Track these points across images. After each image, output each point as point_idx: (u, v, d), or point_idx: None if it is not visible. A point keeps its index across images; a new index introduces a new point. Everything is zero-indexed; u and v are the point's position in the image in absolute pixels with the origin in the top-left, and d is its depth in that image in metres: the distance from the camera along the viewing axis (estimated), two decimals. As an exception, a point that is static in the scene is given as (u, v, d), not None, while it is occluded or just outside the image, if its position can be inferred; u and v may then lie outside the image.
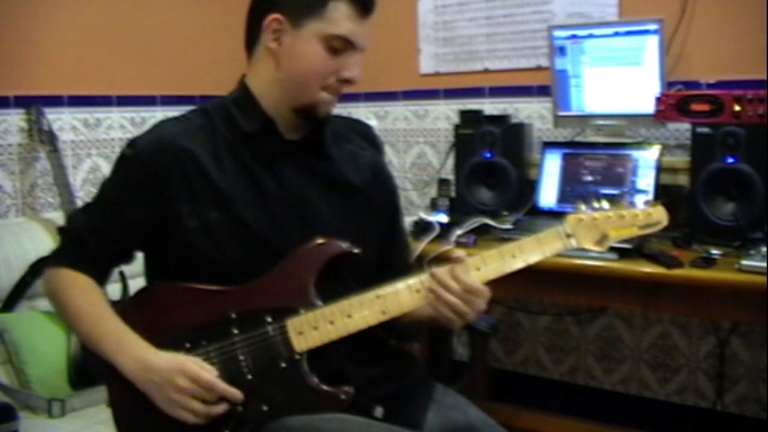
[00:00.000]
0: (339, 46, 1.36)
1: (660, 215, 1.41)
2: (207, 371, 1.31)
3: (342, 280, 1.39)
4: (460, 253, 1.36)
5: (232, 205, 1.37)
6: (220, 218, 1.36)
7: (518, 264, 1.36)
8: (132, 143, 1.42)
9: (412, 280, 1.36)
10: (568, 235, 1.38)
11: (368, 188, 1.50)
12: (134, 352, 1.33)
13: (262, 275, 1.36)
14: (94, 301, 1.41)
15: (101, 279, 1.46)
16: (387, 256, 1.52)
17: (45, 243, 2.20)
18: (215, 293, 1.37)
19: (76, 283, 1.41)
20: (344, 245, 1.38)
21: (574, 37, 2.54)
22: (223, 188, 1.37)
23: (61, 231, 1.49)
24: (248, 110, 1.42)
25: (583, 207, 1.41)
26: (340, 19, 1.34)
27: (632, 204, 1.42)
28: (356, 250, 1.38)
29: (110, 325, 1.37)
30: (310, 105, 1.39)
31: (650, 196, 2.32)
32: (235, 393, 1.31)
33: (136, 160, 1.40)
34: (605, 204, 1.41)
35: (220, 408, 1.31)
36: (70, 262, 1.43)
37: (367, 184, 1.50)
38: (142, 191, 1.38)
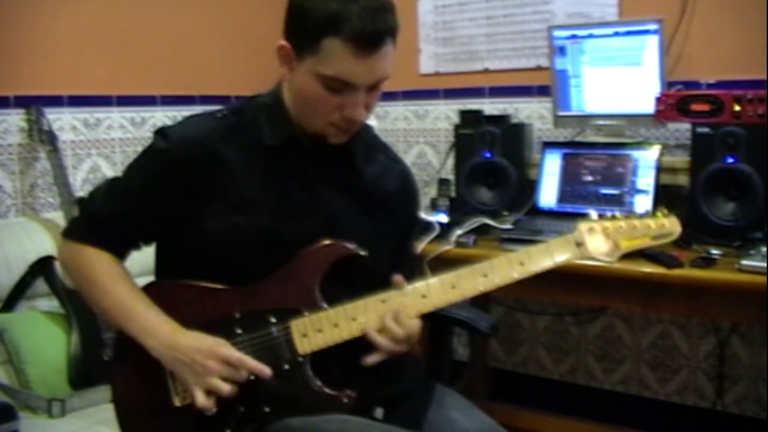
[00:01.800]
0: (336, 85, 1.28)
1: (673, 226, 1.39)
2: (236, 351, 1.32)
3: (349, 283, 1.38)
4: (399, 278, 1.36)
5: (257, 212, 1.36)
6: (244, 224, 1.36)
7: (526, 271, 1.35)
8: (165, 135, 1.40)
9: (419, 284, 1.36)
10: (579, 244, 1.37)
11: (394, 200, 1.49)
12: (162, 331, 1.34)
13: (268, 276, 1.36)
14: (120, 277, 1.41)
15: (121, 259, 1.46)
16: (394, 267, 1.49)
17: (45, 243, 2.20)
18: (220, 292, 1.37)
19: (100, 260, 1.42)
20: (350, 246, 1.37)
21: (574, 37, 2.54)
22: (249, 195, 1.37)
23: (82, 205, 1.49)
24: (276, 121, 1.40)
25: (594, 216, 1.39)
26: (334, 59, 1.26)
27: (645, 213, 1.40)
28: (362, 252, 1.37)
29: (137, 303, 1.38)
30: (320, 134, 1.37)
31: (650, 196, 2.32)
32: (264, 369, 1.31)
33: (167, 154, 1.38)
34: (618, 213, 1.39)
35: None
36: (92, 240, 1.42)
37: (394, 195, 1.49)
38: (169, 186, 1.38)
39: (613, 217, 1.39)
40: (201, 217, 1.36)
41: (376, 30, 1.26)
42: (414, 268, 1.56)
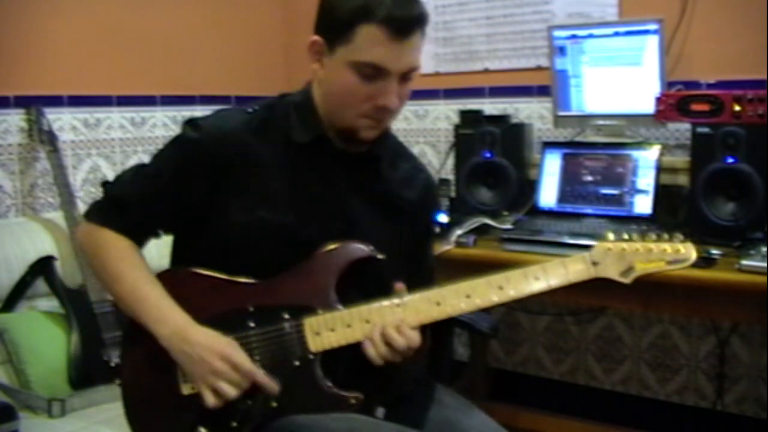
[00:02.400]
0: (370, 72, 1.30)
1: (689, 252, 1.38)
2: (247, 359, 1.32)
3: (364, 286, 1.38)
4: (400, 285, 1.35)
5: (282, 208, 1.37)
6: (268, 219, 1.37)
7: (541, 286, 1.36)
8: (195, 125, 1.40)
9: (432, 292, 1.36)
10: (594, 263, 1.37)
11: (415, 208, 1.50)
12: (175, 322, 1.34)
13: (284, 273, 1.36)
14: (136, 264, 1.42)
15: (139, 246, 1.46)
16: (410, 274, 1.49)
17: (45, 243, 2.21)
18: (235, 285, 1.38)
19: (118, 245, 1.42)
20: (367, 249, 1.38)
21: (574, 37, 2.54)
22: (275, 190, 1.38)
23: (106, 188, 1.48)
24: (306, 119, 1.41)
25: (611, 236, 1.39)
26: (368, 45, 1.28)
27: (661, 236, 1.40)
28: (380, 256, 1.38)
29: (152, 291, 1.38)
30: (350, 129, 1.38)
31: (650, 196, 2.32)
32: (274, 386, 1.32)
33: (198, 144, 1.39)
34: (634, 235, 1.39)
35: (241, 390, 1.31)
36: (113, 225, 1.42)
37: (415, 204, 1.50)
38: (197, 176, 1.38)
39: (630, 239, 1.39)
40: (226, 208, 1.37)
41: (408, 15, 1.29)
42: (431, 274, 1.56)
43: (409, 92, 1.37)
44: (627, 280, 1.37)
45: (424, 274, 1.52)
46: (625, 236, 1.39)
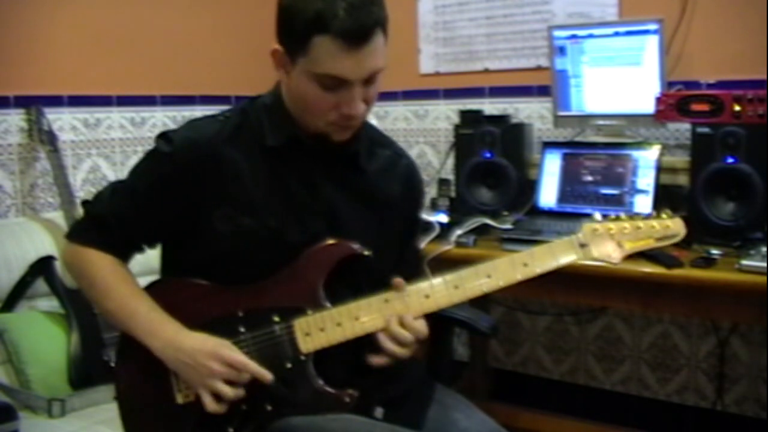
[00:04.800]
0: (331, 83, 1.28)
1: (678, 227, 1.37)
2: (239, 352, 1.32)
3: (353, 283, 1.38)
4: (398, 280, 1.35)
5: (264, 214, 1.37)
6: (252, 226, 1.36)
7: (530, 273, 1.35)
8: (168, 138, 1.40)
9: (423, 285, 1.36)
10: (582, 245, 1.36)
11: (399, 199, 1.49)
12: (166, 332, 1.34)
13: (272, 275, 1.36)
14: (123, 279, 1.42)
15: (125, 262, 1.46)
16: (397, 266, 1.49)
17: (45, 243, 2.21)
18: (224, 291, 1.38)
19: (103, 263, 1.42)
20: (354, 246, 1.37)
21: (574, 37, 2.54)
22: (256, 196, 1.37)
23: (86, 208, 1.48)
24: (278, 121, 1.40)
25: (598, 217, 1.38)
26: (325, 57, 1.25)
27: (649, 214, 1.39)
28: (366, 252, 1.37)
29: (141, 305, 1.38)
30: (320, 134, 1.37)
31: (650, 196, 2.32)
32: (266, 373, 1.31)
33: (171, 157, 1.38)
34: (622, 215, 1.38)
35: (241, 392, 1.31)
36: (96, 243, 1.42)
37: (398, 195, 1.50)
38: (173, 189, 1.38)
39: (617, 218, 1.38)
40: (208, 219, 1.36)
41: (363, 24, 1.25)
42: (417, 267, 1.56)
43: (376, 92, 1.35)
44: (616, 261, 1.37)
45: (411, 265, 1.51)
46: (612, 215, 1.39)
